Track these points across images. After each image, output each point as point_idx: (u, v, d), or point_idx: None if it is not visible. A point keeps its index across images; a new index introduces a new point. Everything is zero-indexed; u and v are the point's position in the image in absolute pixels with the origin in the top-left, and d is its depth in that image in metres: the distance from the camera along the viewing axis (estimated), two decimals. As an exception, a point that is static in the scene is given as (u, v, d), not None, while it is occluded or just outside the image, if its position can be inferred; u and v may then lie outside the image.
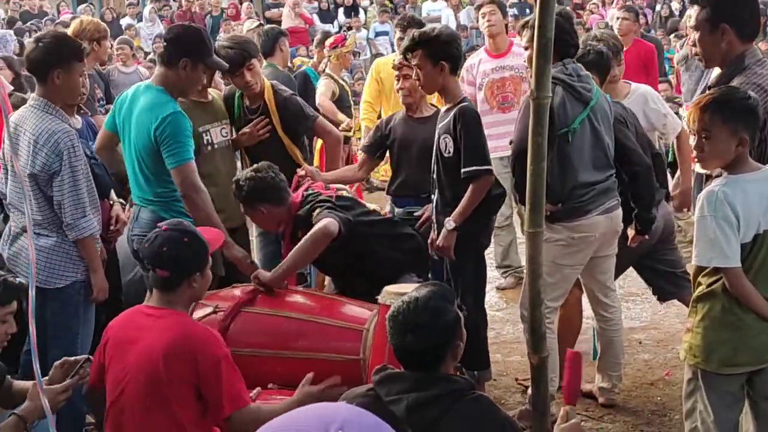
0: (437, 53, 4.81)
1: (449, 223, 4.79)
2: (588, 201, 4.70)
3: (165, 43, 5.06)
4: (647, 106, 5.58)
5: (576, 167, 4.66)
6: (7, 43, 9.35)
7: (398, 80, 5.33)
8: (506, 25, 7.27)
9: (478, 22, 7.56)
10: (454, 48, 4.89)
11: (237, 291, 4.65)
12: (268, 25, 6.32)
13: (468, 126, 4.77)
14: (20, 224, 4.56)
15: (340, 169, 5.72)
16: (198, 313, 4.40)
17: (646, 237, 4.97)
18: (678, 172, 5.83)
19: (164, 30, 10.59)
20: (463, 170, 4.75)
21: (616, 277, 5.22)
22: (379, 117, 7.01)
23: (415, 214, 5.27)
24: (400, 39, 6.59)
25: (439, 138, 4.90)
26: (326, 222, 4.58)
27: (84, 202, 4.47)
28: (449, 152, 4.83)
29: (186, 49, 4.89)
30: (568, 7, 5.70)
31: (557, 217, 4.67)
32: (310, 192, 4.90)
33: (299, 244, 4.63)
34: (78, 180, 4.45)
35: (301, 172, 5.23)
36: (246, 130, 5.53)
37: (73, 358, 3.65)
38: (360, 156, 5.54)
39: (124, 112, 5.01)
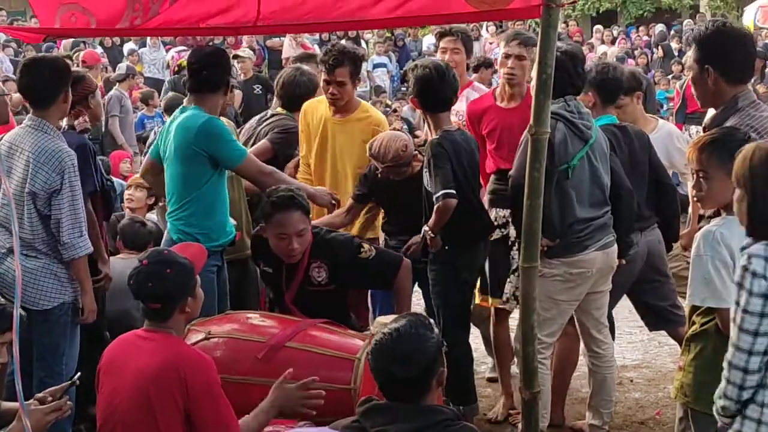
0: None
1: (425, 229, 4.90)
2: (585, 237, 4.72)
3: (205, 71, 4.95)
4: (672, 144, 5.62)
5: (574, 203, 4.69)
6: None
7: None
8: (467, 65, 6.57)
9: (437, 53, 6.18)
10: (427, 86, 4.98)
11: (230, 318, 4.64)
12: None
13: (433, 157, 4.85)
14: (8, 244, 4.58)
15: (328, 215, 5.69)
16: (191, 339, 4.38)
17: (623, 261, 4.97)
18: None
19: (176, 55, 10.56)
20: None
21: (609, 309, 5.22)
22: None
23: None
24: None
25: (423, 173, 5.00)
26: (408, 261, 4.78)
27: (81, 222, 4.54)
28: (431, 186, 4.89)
29: (226, 72, 5.05)
30: (572, 46, 5.59)
31: (555, 252, 4.69)
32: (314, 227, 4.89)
33: (404, 289, 4.75)
34: (76, 200, 4.52)
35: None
36: None
37: (59, 386, 3.65)
38: (348, 202, 5.49)
39: (165, 138, 5.04)
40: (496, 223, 5.28)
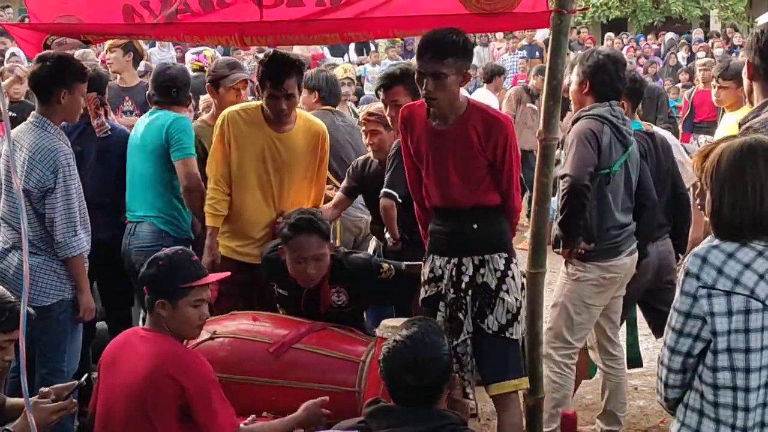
0: (416, 88, 4.86)
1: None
2: (620, 242, 4.78)
3: (175, 89, 5.44)
4: None
5: (612, 208, 4.73)
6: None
7: (366, 135, 5.23)
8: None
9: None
10: None
11: (236, 318, 4.64)
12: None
13: (395, 154, 4.85)
14: (10, 240, 4.58)
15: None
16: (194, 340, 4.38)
17: (635, 270, 4.96)
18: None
19: (193, 57, 10.64)
20: None
21: (622, 317, 5.23)
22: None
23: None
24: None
25: None
26: None
27: (75, 221, 4.53)
28: None
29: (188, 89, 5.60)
30: (614, 50, 5.52)
31: (590, 256, 4.73)
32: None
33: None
34: (71, 199, 4.52)
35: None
36: None
37: (65, 385, 3.66)
38: (337, 195, 5.45)
39: (134, 140, 5.42)
40: (431, 275, 4.32)
